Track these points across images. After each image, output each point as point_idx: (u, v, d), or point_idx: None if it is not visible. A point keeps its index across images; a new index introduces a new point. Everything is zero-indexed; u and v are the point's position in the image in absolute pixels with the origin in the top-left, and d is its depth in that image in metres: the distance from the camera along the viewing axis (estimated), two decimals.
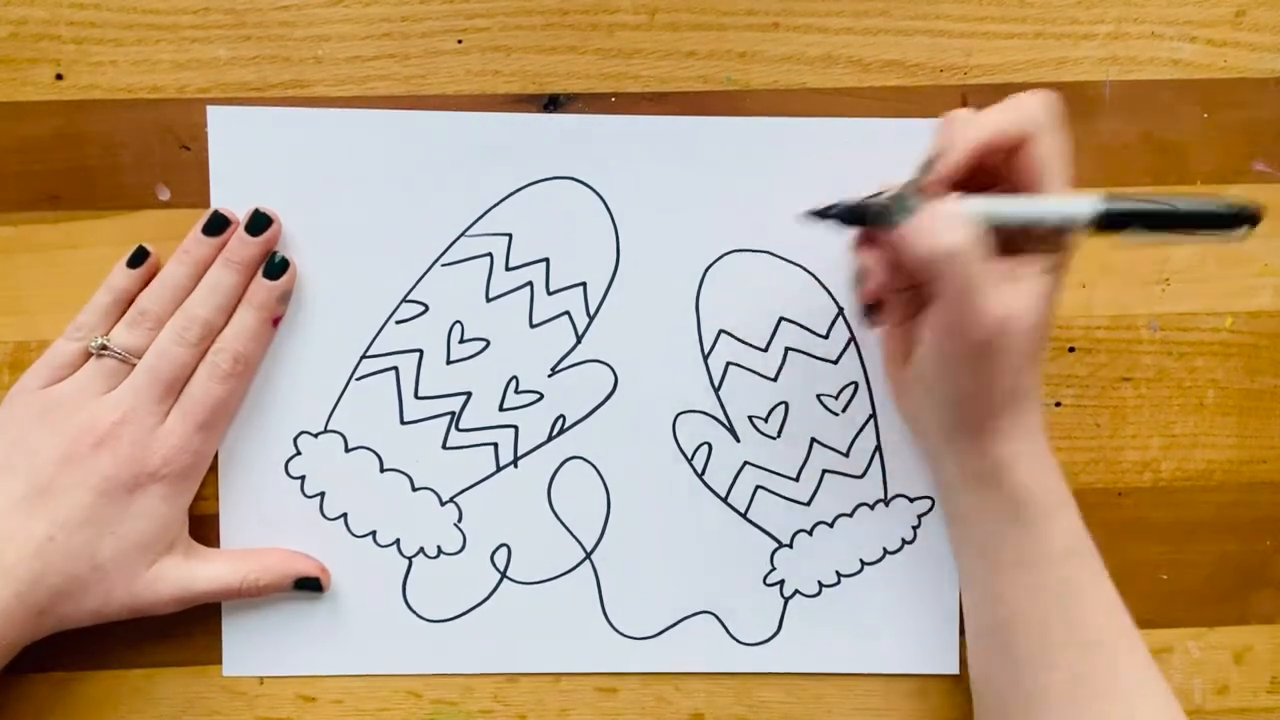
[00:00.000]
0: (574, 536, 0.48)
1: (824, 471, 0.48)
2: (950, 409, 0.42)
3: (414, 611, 0.47)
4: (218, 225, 0.45)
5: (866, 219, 0.41)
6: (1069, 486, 0.42)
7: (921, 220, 0.39)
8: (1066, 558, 0.42)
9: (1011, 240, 0.39)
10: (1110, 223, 0.38)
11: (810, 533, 0.48)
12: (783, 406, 0.48)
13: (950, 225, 0.39)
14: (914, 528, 0.48)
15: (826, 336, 0.48)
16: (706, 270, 0.47)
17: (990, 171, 0.41)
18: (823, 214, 0.42)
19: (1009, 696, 0.43)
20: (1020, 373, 0.40)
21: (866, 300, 0.43)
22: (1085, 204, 0.38)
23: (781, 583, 0.48)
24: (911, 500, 0.48)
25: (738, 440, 0.48)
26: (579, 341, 0.47)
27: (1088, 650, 0.41)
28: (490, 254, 0.47)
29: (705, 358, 0.47)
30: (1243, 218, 0.36)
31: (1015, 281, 0.39)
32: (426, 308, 0.47)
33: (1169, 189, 0.40)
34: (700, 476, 0.48)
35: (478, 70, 0.47)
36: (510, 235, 0.47)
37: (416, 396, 0.47)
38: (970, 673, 0.46)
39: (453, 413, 0.47)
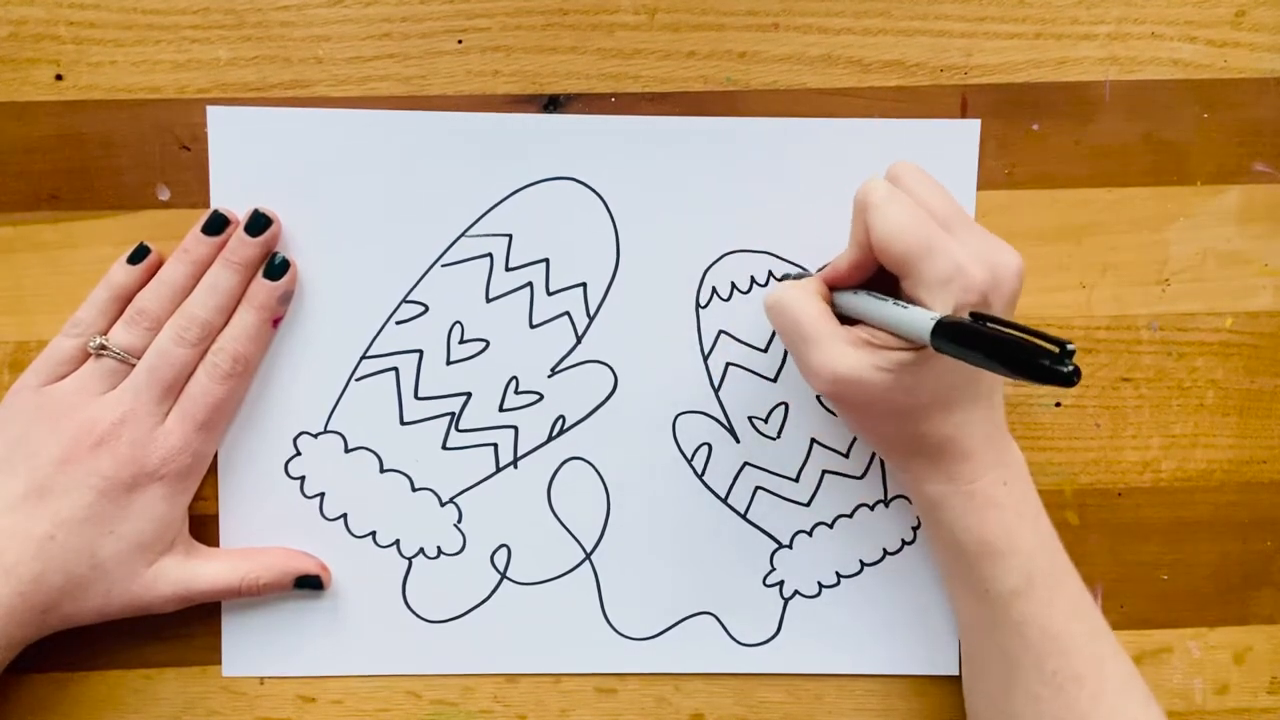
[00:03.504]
0: (574, 537, 0.48)
1: (824, 472, 0.48)
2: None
3: (414, 612, 0.47)
4: (217, 225, 0.45)
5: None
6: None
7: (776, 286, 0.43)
8: (1022, 595, 0.41)
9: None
10: (945, 345, 0.35)
11: (810, 533, 0.48)
12: (783, 407, 0.47)
13: (792, 288, 0.41)
14: (914, 528, 0.48)
15: None
16: (706, 270, 0.47)
17: None
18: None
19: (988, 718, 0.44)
20: (887, 425, 0.40)
21: None
22: (922, 324, 0.36)
23: (781, 583, 0.48)
24: (911, 501, 0.48)
25: (737, 441, 0.48)
26: (579, 342, 0.47)
27: (1057, 684, 0.40)
28: (490, 254, 0.47)
29: (705, 358, 0.47)
30: (1059, 376, 0.32)
31: (856, 346, 0.39)
32: (426, 308, 0.47)
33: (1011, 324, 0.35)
34: (700, 477, 0.48)
35: (478, 70, 0.47)
36: (510, 236, 0.47)
37: (416, 397, 0.47)
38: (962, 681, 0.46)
39: (452, 413, 0.47)
